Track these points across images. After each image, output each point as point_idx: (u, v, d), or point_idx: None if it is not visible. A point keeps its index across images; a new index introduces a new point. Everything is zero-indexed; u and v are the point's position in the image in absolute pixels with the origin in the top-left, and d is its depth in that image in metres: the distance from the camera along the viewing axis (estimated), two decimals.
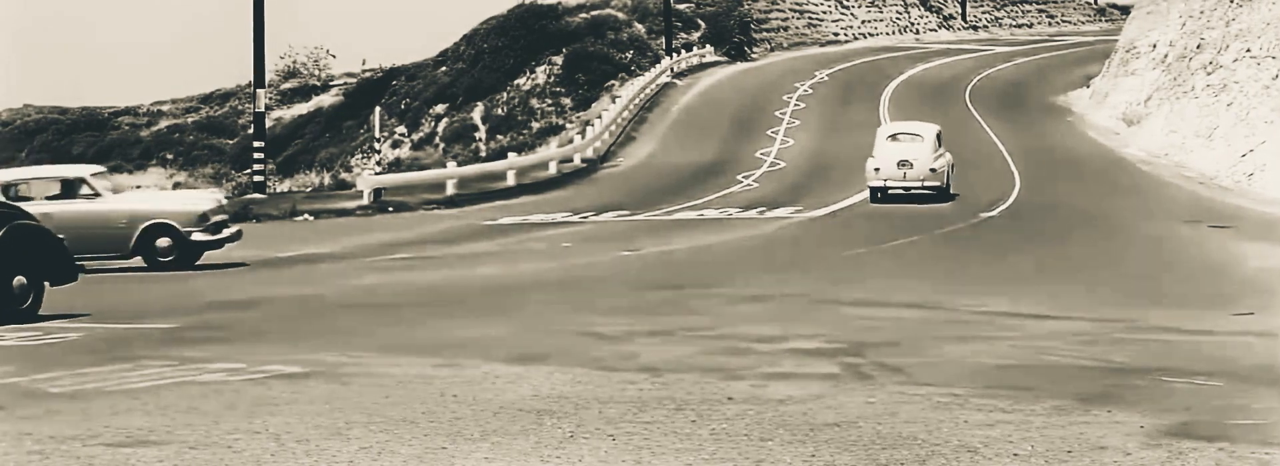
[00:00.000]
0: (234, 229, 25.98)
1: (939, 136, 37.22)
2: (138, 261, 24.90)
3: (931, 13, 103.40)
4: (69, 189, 24.81)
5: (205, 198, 26.68)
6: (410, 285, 20.89)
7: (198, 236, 24.82)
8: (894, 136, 36.99)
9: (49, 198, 24.39)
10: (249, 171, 52.28)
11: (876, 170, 36.00)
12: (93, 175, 25.75)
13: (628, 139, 56.75)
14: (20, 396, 10.95)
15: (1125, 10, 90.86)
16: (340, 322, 16.20)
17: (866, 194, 37.14)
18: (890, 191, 36.08)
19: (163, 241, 24.64)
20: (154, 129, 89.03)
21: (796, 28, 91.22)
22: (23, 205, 21.63)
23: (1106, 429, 9.49)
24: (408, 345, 13.80)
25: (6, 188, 24.20)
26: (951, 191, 36.85)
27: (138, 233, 24.55)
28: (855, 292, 18.93)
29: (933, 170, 35.83)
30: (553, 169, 48.58)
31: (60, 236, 18.33)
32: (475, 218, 36.40)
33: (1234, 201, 36.57)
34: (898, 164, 35.75)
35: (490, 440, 9.15)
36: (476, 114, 73.96)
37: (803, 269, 23.12)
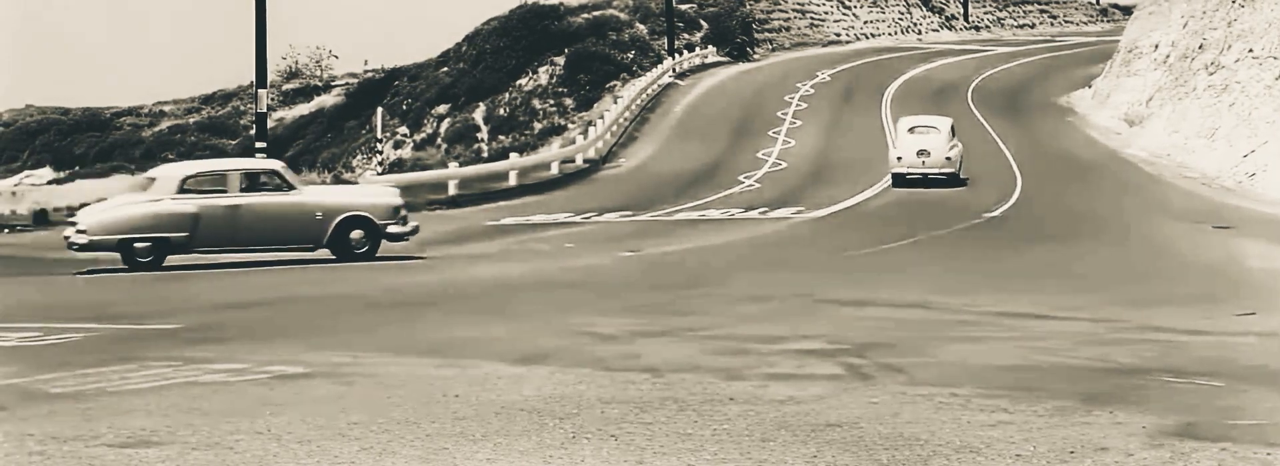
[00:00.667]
0: (414, 223, 26.46)
1: (953, 129, 42.42)
2: (323, 253, 25.51)
3: (934, 13, 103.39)
4: (263, 181, 25.44)
5: (389, 191, 27.36)
6: (412, 285, 20.90)
7: (392, 228, 25.56)
8: (913, 129, 41.75)
9: (244, 189, 24.97)
10: None
11: (898, 159, 41.08)
12: (282, 169, 26.52)
13: (629, 139, 56.76)
14: (22, 397, 10.96)
15: (1127, 10, 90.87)
16: (342, 323, 16.20)
17: (868, 194, 37.20)
18: (909, 177, 40.73)
19: (356, 233, 25.25)
20: (155, 129, 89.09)
21: (798, 28, 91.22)
22: (218, 196, 24.27)
23: (1109, 429, 9.48)
24: (410, 345, 13.81)
25: (208, 177, 24.98)
26: (962, 176, 41.47)
27: (334, 225, 25.14)
28: (857, 293, 18.93)
29: (948, 158, 40.79)
30: (555, 169, 48.59)
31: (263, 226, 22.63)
32: (477, 218, 36.42)
33: (1236, 202, 36.57)
34: (917, 153, 40.78)
35: (492, 440, 9.16)
36: (478, 114, 73.97)
37: (804, 269, 23.12)
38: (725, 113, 61.69)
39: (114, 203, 25.69)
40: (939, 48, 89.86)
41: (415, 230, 26.21)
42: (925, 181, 40.59)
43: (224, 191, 24.82)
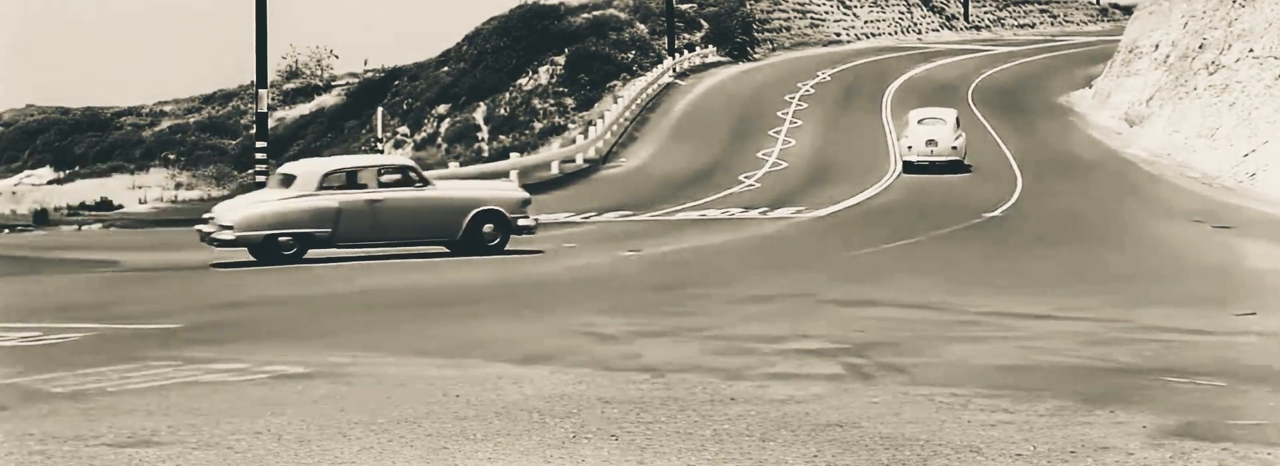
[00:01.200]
0: (535, 217, 27.10)
1: (958, 120, 46.55)
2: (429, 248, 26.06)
3: (934, 13, 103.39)
4: (401, 177, 25.93)
5: (511, 185, 28.03)
6: (412, 285, 20.90)
7: (521, 222, 26.16)
8: (922, 120, 45.80)
9: (381, 185, 25.49)
10: (251, 172, 52.29)
11: (909, 147, 45.07)
12: (416, 165, 27.27)
13: (630, 139, 56.76)
14: (23, 396, 10.96)
15: (1127, 10, 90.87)
16: (343, 323, 16.20)
17: (868, 193, 37.23)
18: (918, 164, 44.61)
19: (488, 227, 25.77)
20: (156, 129, 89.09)
21: (799, 28, 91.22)
22: (359, 192, 25.07)
23: (1109, 429, 9.48)
24: (410, 345, 13.81)
25: (348, 174, 25.59)
26: (966, 162, 45.19)
27: (468, 219, 25.65)
28: (857, 292, 18.93)
29: (954, 147, 44.94)
30: (555, 169, 48.60)
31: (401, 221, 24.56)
32: None
33: (1236, 201, 36.57)
34: (926, 142, 44.78)
35: (493, 440, 9.16)
36: (479, 114, 73.97)
37: (805, 269, 23.12)
38: (725, 112, 61.70)
39: (254, 199, 26.09)
40: (939, 47, 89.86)
41: (538, 224, 27.02)
42: (933, 167, 44.34)
43: (363, 187, 25.36)
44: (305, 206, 24.94)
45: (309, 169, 26.23)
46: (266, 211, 24.96)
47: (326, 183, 25.19)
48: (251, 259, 25.18)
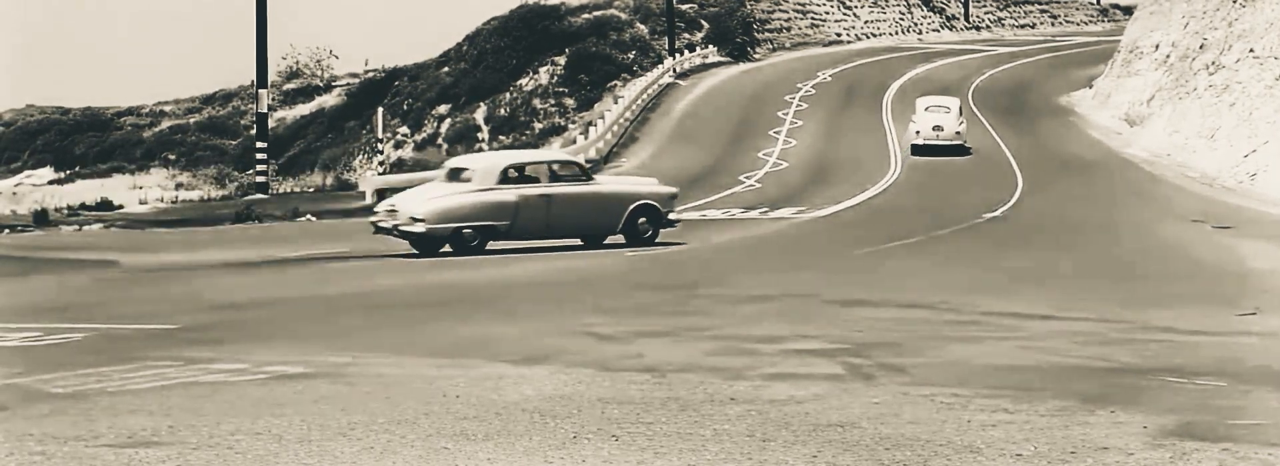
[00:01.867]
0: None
1: (960, 109, 51.69)
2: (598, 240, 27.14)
3: (934, 13, 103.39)
4: (563, 172, 27.12)
5: (649, 181, 29.19)
6: (413, 285, 20.90)
7: (671, 216, 27.44)
8: (929, 108, 50.95)
9: (551, 180, 26.64)
10: (252, 172, 52.34)
11: (917, 132, 50.09)
12: (582, 161, 28.48)
13: (630, 139, 56.76)
14: (23, 396, 10.96)
15: (1128, 10, 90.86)
16: (343, 323, 16.20)
17: (869, 193, 37.26)
18: (925, 146, 49.51)
19: (643, 220, 26.90)
20: (156, 129, 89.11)
21: (799, 28, 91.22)
22: (534, 186, 26.25)
23: (1109, 429, 9.48)
24: (410, 345, 13.81)
25: (520, 169, 26.72)
26: (967, 146, 50.12)
27: (628, 212, 26.79)
28: (858, 292, 18.93)
29: (957, 133, 50.00)
30: None
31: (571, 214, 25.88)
32: None
33: (1236, 202, 36.58)
34: (932, 128, 49.86)
35: (493, 440, 9.15)
36: (479, 114, 73.97)
37: (805, 269, 23.12)
38: (726, 112, 61.70)
39: (434, 193, 26.49)
40: (940, 48, 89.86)
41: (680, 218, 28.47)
42: (939, 149, 49.28)
43: (535, 181, 26.43)
44: (488, 200, 25.88)
45: (488, 163, 27.20)
46: (455, 204, 25.83)
47: (505, 177, 26.14)
48: (413, 251, 25.93)
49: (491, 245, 26.09)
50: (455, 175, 26.72)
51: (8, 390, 11.27)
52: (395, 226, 25.87)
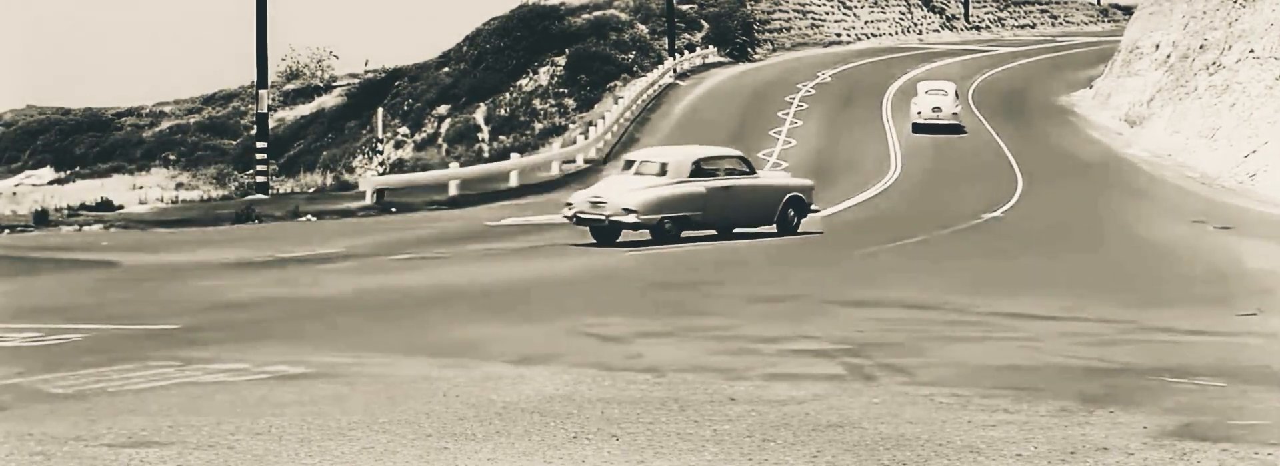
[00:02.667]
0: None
1: (957, 92, 58.22)
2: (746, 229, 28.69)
3: (934, 13, 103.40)
4: (732, 166, 28.72)
5: (786, 174, 31.65)
6: (413, 285, 20.89)
7: (813, 206, 29.33)
8: (928, 91, 57.02)
9: (726, 172, 28.22)
10: (252, 172, 52.30)
11: (918, 112, 55.98)
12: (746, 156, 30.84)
13: (631, 140, 56.73)
14: (23, 397, 10.96)
15: (1128, 11, 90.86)
16: (343, 323, 16.20)
17: (869, 193, 37.27)
18: (925, 125, 55.27)
19: (791, 211, 28.74)
20: (156, 130, 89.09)
21: (799, 28, 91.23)
22: (715, 179, 27.77)
23: (1109, 429, 9.48)
24: (410, 345, 13.80)
25: (706, 162, 28.29)
26: (961, 125, 55.86)
27: (782, 203, 28.64)
28: (859, 293, 18.93)
29: (954, 113, 56.14)
30: (556, 169, 48.57)
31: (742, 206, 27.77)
32: (478, 218, 36.40)
33: (1236, 202, 36.59)
34: (932, 109, 55.70)
35: (493, 441, 9.15)
36: (479, 114, 73.96)
37: (806, 269, 23.12)
38: (726, 112, 61.68)
39: (636, 185, 27.49)
40: (940, 48, 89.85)
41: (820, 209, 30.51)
42: (937, 128, 55.03)
43: (713, 174, 27.89)
44: (684, 192, 27.43)
45: (680, 157, 28.42)
46: (660, 196, 27.27)
47: (695, 170, 27.69)
48: (592, 241, 27.43)
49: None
50: (646, 168, 27.97)
51: (8, 390, 11.27)
52: (607, 217, 27.20)
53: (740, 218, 28.34)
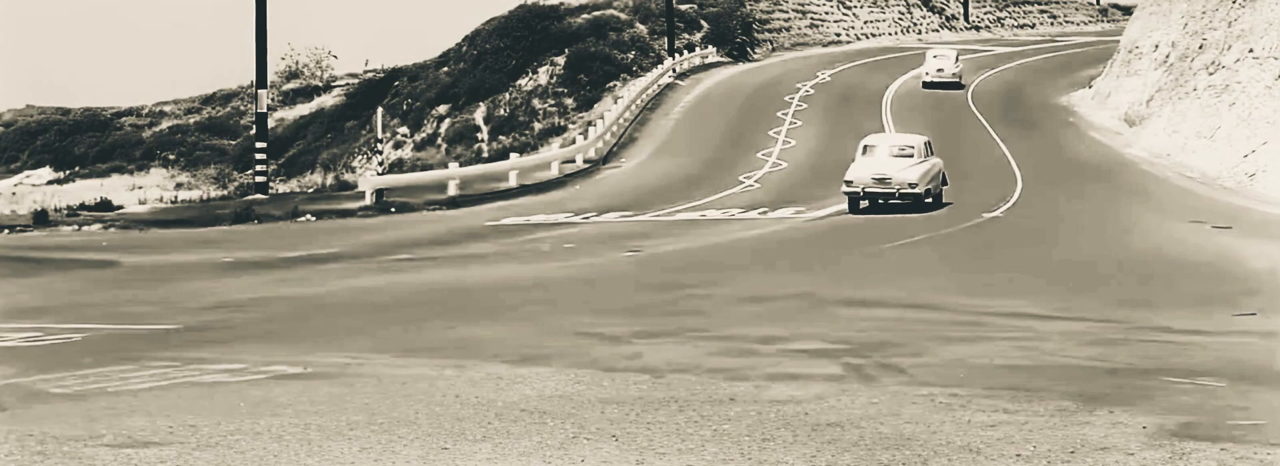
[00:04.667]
0: None
1: (957, 55, 69.46)
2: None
3: (934, 13, 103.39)
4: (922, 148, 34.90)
5: None
6: (412, 286, 20.89)
7: (944, 188, 35.42)
8: (935, 56, 68.60)
9: (894, 156, 34.42)
10: (251, 172, 52.32)
11: (926, 73, 67.73)
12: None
13: (630, 139, 56.74)
14: (23, 397, 10.96)
15: (1127, 11, 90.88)
16: (342, 323, 16.20)
17: None
18: (932, 83, 66.77)
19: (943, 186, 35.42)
20: (155, 129, 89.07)
21: (799, 28, 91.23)
22: (927, 160, 34.48)
23: (1109, 429, 9.49)
24: (410, 346, 13.81)
25: (906, 147, 34.79)
26: (962, 83, 67.69)
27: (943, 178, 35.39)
28: (857, 293, 18.93)
29: (955, 74, 67.67)
30: (555, 169, 48.57)
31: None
32: (477, 218, 36.40)
33: (1236, 202, 36.58)
34: (936, 70, 67.44)
35: (492, 440, 9.16)
36: (479, 114, 73.96)
37: (805, 269, 23.13)
38: (725, 113, 61.68)
39: (900, 165, 33.99)
40: (939, 48, 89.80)
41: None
42: (943, 85, 67.23)
43: (922, 157, 34.58)
44: (930, 169, 34.49)
45: (919, 140, 35.36)
46: (926, 171, 34.17)
47: (927, 151, 34.71)
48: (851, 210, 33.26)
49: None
50: (879, 151, 34.42)
51: (9, 390, 11.27)
52: (897, 191, 33.47)
53: (939, 189, 34.75)
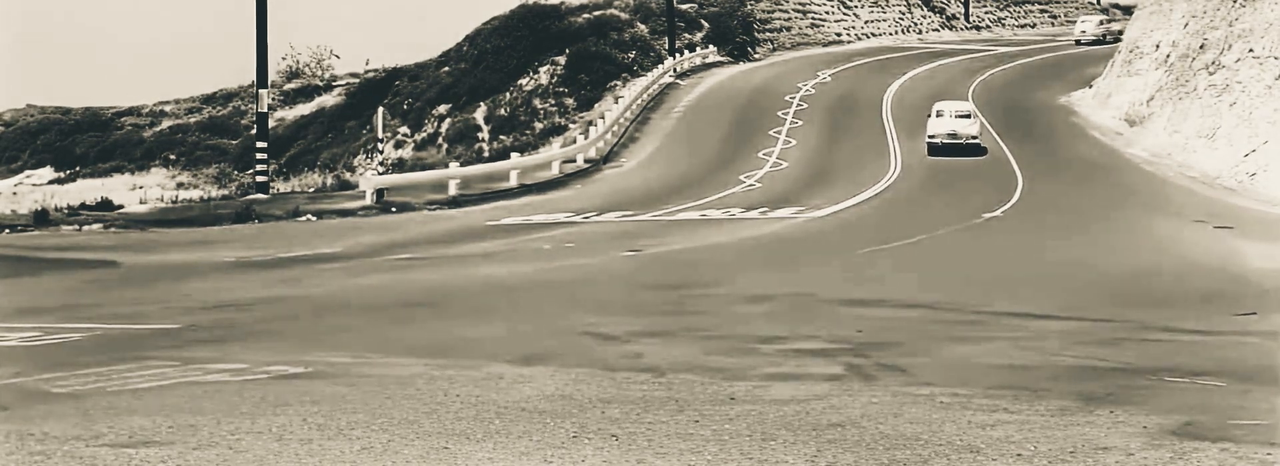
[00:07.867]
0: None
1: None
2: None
3: (934, 13, 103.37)
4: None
5: None
6: (413, 285, 20.89)
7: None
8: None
9: (956, 117, 48.17)
10: (252, 172, 52.32)
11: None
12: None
13: (630, 139, 56.74)
14: (24, 396, 10.96)
15: (1128, 10, 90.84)
16: (343, 323, 16.20)
17: (869, 194, 37.24)
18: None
19: None
20: (156, 129, 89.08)
21: (799, 28, 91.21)
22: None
23: (1109, 429, 9.48)
24: (410, 345, 13.81)
25: (964, 111, 48.48)
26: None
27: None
28: (858, 292, 18.93)
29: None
30: (556, 169, 48.57)
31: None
32: (478, 218, 36.40)
33: (1236, 201, 36.58)
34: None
35: (493, 440, 9.16)
36: (479, 114, 73.96)
37: (805, 269, 23.12)
38: (726, 112, 61.68)
39: (962, 122, 48.16)
40: (940, 48, 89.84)
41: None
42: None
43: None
44: (981, 126, 46.98)
45: (970, 106, 50.52)
46: (979, 128, 47.15)
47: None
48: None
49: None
50: (948, 114, 48.45)
51: (9, 390, 11.27)
52: (964, 141, 47.05)
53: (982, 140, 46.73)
